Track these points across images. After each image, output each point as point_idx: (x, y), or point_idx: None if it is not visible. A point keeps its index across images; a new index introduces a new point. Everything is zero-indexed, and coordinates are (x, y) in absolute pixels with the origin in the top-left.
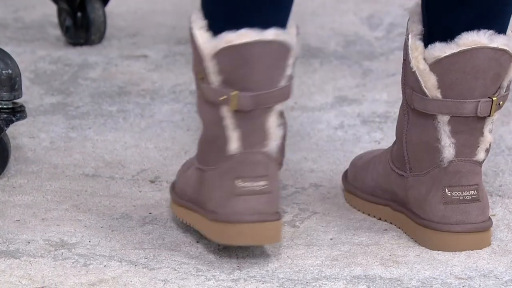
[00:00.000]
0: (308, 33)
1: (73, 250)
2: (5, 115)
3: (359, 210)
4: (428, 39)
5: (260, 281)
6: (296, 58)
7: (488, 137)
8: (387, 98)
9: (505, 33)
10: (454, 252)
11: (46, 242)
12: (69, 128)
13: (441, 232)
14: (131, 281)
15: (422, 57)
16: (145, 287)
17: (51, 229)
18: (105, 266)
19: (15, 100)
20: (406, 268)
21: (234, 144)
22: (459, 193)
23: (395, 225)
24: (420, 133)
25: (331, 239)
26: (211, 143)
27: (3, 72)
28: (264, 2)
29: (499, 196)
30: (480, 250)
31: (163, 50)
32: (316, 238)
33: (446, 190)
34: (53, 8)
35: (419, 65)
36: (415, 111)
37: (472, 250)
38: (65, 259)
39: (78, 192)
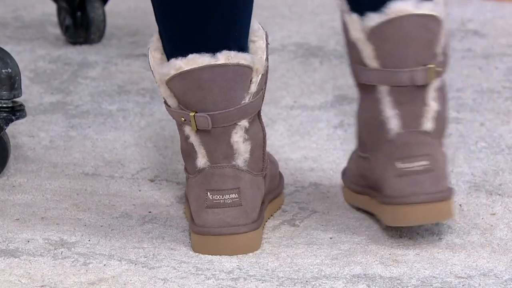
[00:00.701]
0: (307, 32)
1: (72, 249)
2: (4, 114)
3: (348, 203)
4: (362, 9)
5: (259, 280)
6: (264, 73)
7: (432, 106)
8: None
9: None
10: (453, 251)
11: (46, 241)
12: (69, 127)
13: (397, 205)
14: (130, 280)
15: (360, 28)
16: (145, 286)
17: (51, 228)
18: (104, 265)
19: (14, 99)
20: (405, 267)
21: (201, 159)
22: (409, 165)
23: (373, 214)
24: (368, 109)
25: (330, 238)
26: (186, 156)
27: (3, 71)
28: (213, 25)
29: (499, 195)
30: (481, 249)
31: None
32: (316, 237)
33: (397, 163)
34: (52, 7)
35: (357, 35)
36: (361, 87)
37: (431, 222)
38: (65, 258)
39: (77, 191)
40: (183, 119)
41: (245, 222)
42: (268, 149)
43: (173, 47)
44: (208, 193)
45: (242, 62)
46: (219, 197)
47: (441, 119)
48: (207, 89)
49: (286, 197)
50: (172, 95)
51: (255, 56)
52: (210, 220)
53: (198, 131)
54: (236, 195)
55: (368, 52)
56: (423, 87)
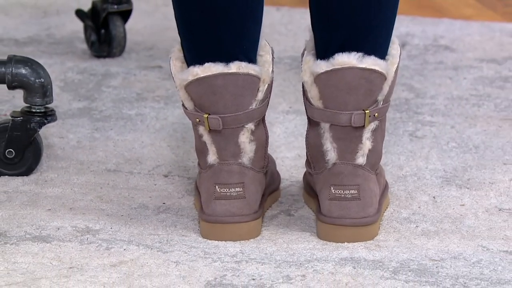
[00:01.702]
0: (301, 46)
1: (97, 235)
2: (38, 118)
3: (305, 203)
4: (317, 55)
5: (259, 262)
6: (270, 83)
7: (366, 144)
8: None
9: (379, 53)
10: (428, 237)
11: (74, 228)
12: (94, 130)
13: (326, 224)
14: (147, 263)
15: (309, 70)
16: (159, 268)
17: (78, 217)
18: (124, 249)
19: (46, 105)
20: (387, 251)
21: (212, 156)
22: (341, 191)
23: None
24: (313, 137)
25: None
26: (199, 153)
27: (36, 81)
28: (226, 39)
29: (467, 188)
30: (452, 236)
31: None
32: (308, 225)
33: (331, 188)
34: (80, 26)
35: (305, 77)
36: (309, 118)
37: (354, 242)
38: (90, 243)
39: (101, 185)
40: (198, 120)
41: (248, 212)
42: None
43: (192, 57)
44: (217, 186)
45: (252, 72)
46: (226, 190)
47: (374, 154)
48: (219, 94)
49: (283, 190)
50: (189, 99)
51: (262, 68)
52: (217, 210)
53: (210, 131)
54: (241, 189)
55: (314, 93)
56: (360, 128)
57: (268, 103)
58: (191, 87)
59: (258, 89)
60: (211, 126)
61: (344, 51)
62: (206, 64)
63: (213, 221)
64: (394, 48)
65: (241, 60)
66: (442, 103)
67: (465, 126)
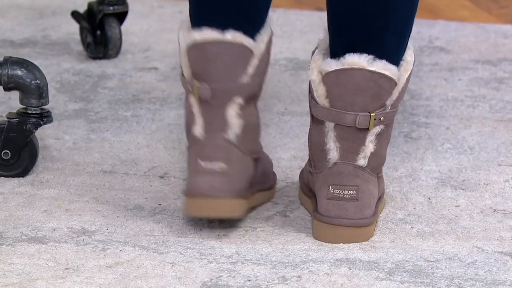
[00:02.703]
0: (296, 48)
1: (93, 236)
2: (34, 120)
3: (301, 203)
4: (330, 55)
5: (255, 263)
6: (262, 61)
7: (369, 147)
8: None
9: (391, 57)
10: (423, 238)
11: (70, 229)
12: (90, 131)
13: (323, 223)
14: (143, 264)
15: (317, 69)
16: (155, 269)
17: (74, 218)
18: (120, 250)
19: (42, 107)
20: (382, 252)
21: (198, 129)
22: (339, 191)
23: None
24: (316, 135)
25: None
26: (187, 126)
27: (32, 82)
28: (228, 6)
29: (462, 189)
30: (447, 236)
31: (171, 63)
32: (304, 226)
33: (330, 188)
34: (76, 27)
35: (313, 75)
36: (313, 116)
37: (349, 243)
38: (86, 244)
39: (97, 186)
40: (190, 88)
41: (230, 189)
42: (263, 150)
43: (194, 22)
44: (200, 160)
45: (245, 43)
46: (210, 165)
47: (377, 158)
48: (212, 62)
49: (279, 191)
50: (188, 65)
51: (257, 43)
52: (200, 184)
53: (200, 102)
54: (225, 165)
55: (320, 92)
56: (364, 130)
57: (262, 85)
58: (190, 52)
59: (249, 63)
60: (201, 95)
61: (355, 53)
62: (203, 29)
63: (194, 195)
64: (409, 54)
65: (237, 30)
66: (437, 105)
67: (460, 127)
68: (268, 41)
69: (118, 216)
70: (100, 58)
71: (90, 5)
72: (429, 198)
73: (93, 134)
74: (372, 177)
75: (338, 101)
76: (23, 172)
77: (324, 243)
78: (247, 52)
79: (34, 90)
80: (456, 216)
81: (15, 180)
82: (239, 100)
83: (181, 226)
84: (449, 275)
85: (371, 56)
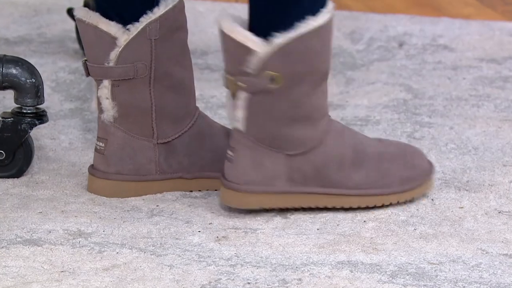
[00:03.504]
0: None
1: (89, 238)
2: (29, 119)
3: None
4: None
5: (255, 266)
6: (125, 45)
7: (237, 111)
8: (368, 104)
9: (259, 22)
10: (427, 241)
11: (65, 231)
12: (86, 131)
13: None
14: (140, 266)
15: None
16: (153, 271)
17: (70, 220)
18: (117, 253)
19: (38, 106)
20: (384, 255)
21: (93, 104)
22: (228, 151)
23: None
24: None
25: (318, 229)
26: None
27: (28, 81)
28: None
29: (466, 190)
30: (450, 238)
31: None
32: (304, 228)
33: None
34: (72, 25)
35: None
36: None
37: (223, 202)
38: (82, 246)
39: None
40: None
41: (105, 170)
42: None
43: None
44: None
45: (103, 28)
46: (96, 141)
47: (257, 128)
48: (86, 42)
49: None
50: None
51: (125, 30)
52: (93, 161)
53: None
54: (103, 144)
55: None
56: (234, 93)
57: (148, 72)
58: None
59: (112, 48)
60: (85, 72)
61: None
62: (82, 9)
63: (89, 170)
64: (302, 25)
65: (106, 15)
66: (440, 104)
67: (464, 127)
68: (141, 29)
69: (115, 218)
70: None
71: (86, 2)
72: (432, 199)
73: (89, 134)
74: (258, 147)
75: (223, 59)
76: (18, 172)
77: (325, 246)
78: (107, 38)
79: (29, 89)
80: (460, 217)
81: (10, 181)
82: (106, 83)
83: (179, 228)
84: (453, 278)
85: (231, 18)
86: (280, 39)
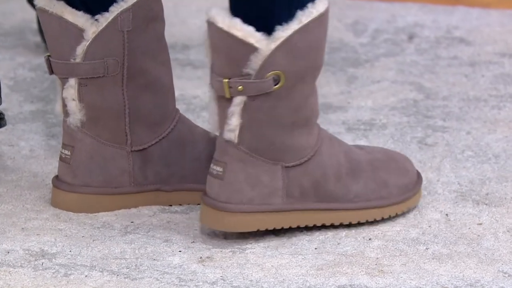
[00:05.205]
0: None
1: (53, 260)
2: None
3: None
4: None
5: None
6: (94, 39)
7: (232, 120)
8: (372, 105)
9: (259, 16)
10: (440, 262)
11: (26, 252)
12: (49, 136)
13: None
14: None
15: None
16: None
17: (31, 238)
18: (86, 276)
19: None
20: (392, 278)
21: (58, 107)
22: (212, 165)
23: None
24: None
25: (315, 248)
26: None
27: None
28: None
29: (486, 204)
30: (467, 259)
31: None
32: (300, 247)
33: (212, 161)
34: (32, 14)
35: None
36: None
37: (210, 226)
38: (46, 269)
39: None
40: None
41: (71, 181)
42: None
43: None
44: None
45: (69, 18)
46: (61, 149)
47: (255, 137)
48: (49, 35)
49: None
50: None
51: (88, 19)
52: (57, 171)
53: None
54: (68, 152)
55: (206, 44)
56: (227, 98)
57: (120, 72)
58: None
59: (79, 42)
60: (48, 68)
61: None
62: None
63: (53, 181)
64: (297, 18)
65: (72, 4)
66: (456, 105)
67: (483, 132)
68: (113, 20)
69: (83, 236)
70: None
71: None
72: (446, 215)
73: (53, 140)
74: (253, 159)
75: (211, 59)
76: None
77: (324, 268)
78: (73, 30)
79: None
80: (478, 235)
81: None
82: (72, 82)
83: (157, 247)
84: None
85: (227, 11)
86: (284, 32)
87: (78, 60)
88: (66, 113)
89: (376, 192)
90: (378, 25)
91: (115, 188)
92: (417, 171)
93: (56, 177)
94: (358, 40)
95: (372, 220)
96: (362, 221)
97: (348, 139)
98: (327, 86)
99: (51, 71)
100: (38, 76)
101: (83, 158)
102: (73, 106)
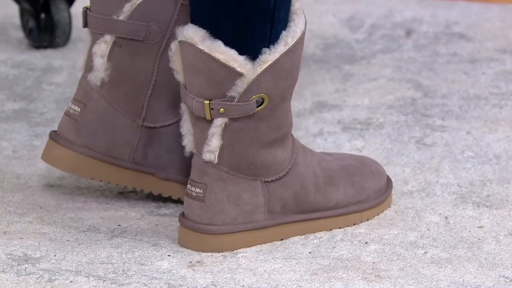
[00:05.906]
0: None
1: (37, 265)
2: None
3: None
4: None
5: None
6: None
7: (213, 141)
8: (369, 104)
9: (237, 42)
10: (439, 266)
11: (9, 256)
12: (33, 136)
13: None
14: None
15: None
16: None
17: (14, 242)
18: (71, 281)
19: None
20: (389, 283)
21: (80, 61)
22: (190, 187)
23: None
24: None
25: (310, 252)
26: None
27: None
28: None
29: (487, 207)
30: (467, 264)
31: None
32: (294, 251)
33: (189, 181)
34: (15, 9)
35: (172, 45)
36: None
37: (192, 249)
38: (29, 274)
39: (42, 204)
40: None
41: (72, 138)
42: None
43: None
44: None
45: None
46: (72, 105)
47: (236, 157)
48: None
49: None
50: None
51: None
52: (59, 125)
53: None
54: (78, 109)
55: (176, 65)
56: (206, 120)
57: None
58: None
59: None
60: (83, 21)
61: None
62: None
63: (50, 135)
64: (283, 40)
65: None
66: (456, 104)
67: (483, 132)
68: None
69: (68, 240)
70: (45, 47)
71: None
72: (446, 217)
73: (37, 140)
74: (233, 177)
75: (186, 79)
76: None
77: (319, 272)
78: None
79: None
80: (479, 239)
81: None
82: (108, 38)
83: (145, 251)
84: None
85: (205, 32)
86: (271, 55)
87: (121, 17)
88: (88, 68)
89: (355, 196)
90: (375, 20)
91: (113, 159)
92: (383, 169)
93: (55, 132)
94: (354, 36)
95: (352, 225)
96: (342, 227)
97: (344, 139)
98: (321, 84)
99: (86, 24)
100: (21, 73)
101: (92, 119)
102: (100, 63)
